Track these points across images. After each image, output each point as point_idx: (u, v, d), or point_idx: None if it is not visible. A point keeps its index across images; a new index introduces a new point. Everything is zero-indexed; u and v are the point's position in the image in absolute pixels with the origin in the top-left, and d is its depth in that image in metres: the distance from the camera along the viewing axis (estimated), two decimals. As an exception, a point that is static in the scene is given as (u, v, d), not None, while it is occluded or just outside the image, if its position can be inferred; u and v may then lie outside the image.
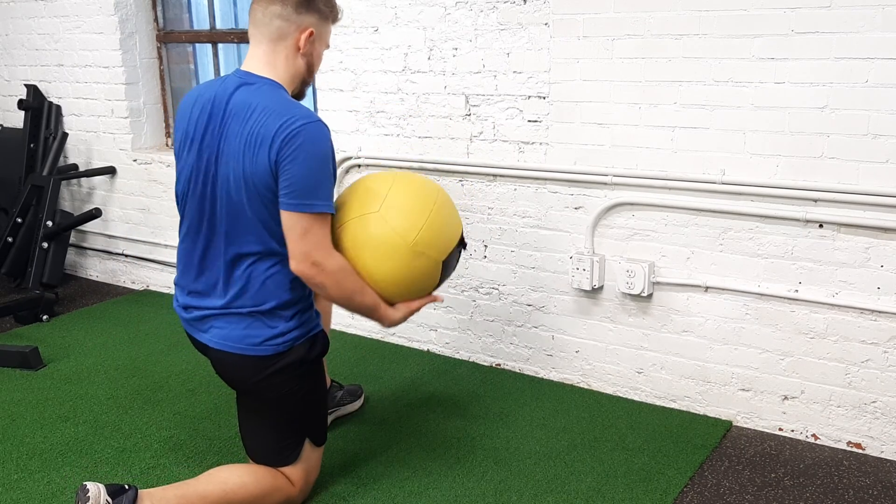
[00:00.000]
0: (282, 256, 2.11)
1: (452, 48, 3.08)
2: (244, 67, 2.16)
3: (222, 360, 2.20)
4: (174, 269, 4.23)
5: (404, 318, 2.29)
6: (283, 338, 2.15)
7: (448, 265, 2.29)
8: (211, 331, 2.18)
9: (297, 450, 2.26)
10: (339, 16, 2.29)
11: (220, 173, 2.08)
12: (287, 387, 2.19)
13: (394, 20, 3.18)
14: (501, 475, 2.49)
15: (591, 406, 2.94)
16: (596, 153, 2.87)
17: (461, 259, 3.26)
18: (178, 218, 4.28)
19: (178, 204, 2.23)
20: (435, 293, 2.35)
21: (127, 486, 2.00)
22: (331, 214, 2.09)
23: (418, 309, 2.30)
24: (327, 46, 2.29)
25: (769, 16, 2.47)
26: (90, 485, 1.97)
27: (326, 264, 2.07)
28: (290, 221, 2.03)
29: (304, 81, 2.24)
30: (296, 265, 2.06)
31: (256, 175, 2.02)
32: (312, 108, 3.55)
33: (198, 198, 2.14)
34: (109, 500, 1.96)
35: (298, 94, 2.27)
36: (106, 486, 1.99)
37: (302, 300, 2.20)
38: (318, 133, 2.04)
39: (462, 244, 2.33)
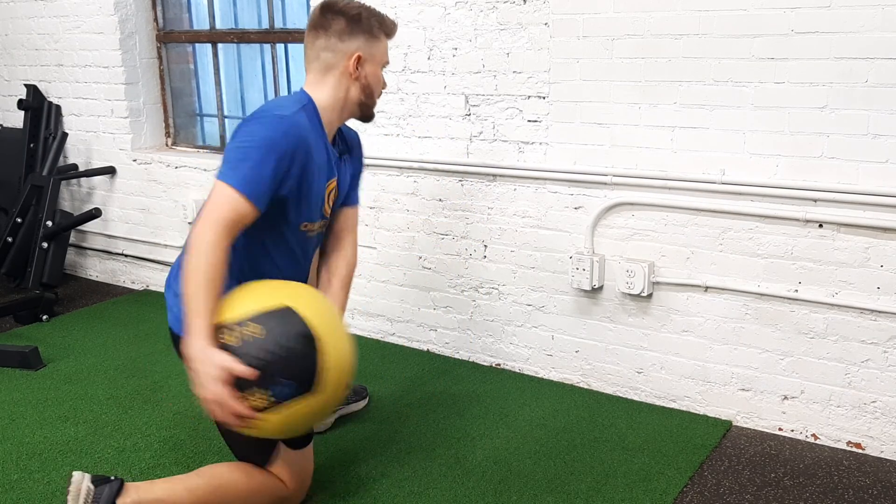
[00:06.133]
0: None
1: (452, 48, 3.08)
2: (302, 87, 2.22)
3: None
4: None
5: (202, 367, 1.81)
6: None
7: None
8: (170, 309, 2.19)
9: (269, 451, 2.18)
10: (393, 28, 2.24)
11: None
12: None
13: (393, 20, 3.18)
14: (501, 475, 2.49)
15: (591, 406, 2.94)
16: (596, 153, 2.87)
17: (461, 259, 3.26)
18: (177, 217, 4.29)
19: None
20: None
21: (112, 478, 2.01)
22: (237, 192, 1.92)
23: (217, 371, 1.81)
24: (386, 63, 2.25)
25: (769, 16, 2.47)
26: (76, 473, 2.00)
27: (203, 230, 1.89)
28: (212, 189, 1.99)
29: (364, 104, 2.23)
30: (194, 226, 1.95)
31: None
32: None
33: None
34: (91, 486, 1.97)
35: (364, 117, 2.27)
36: (91, 476, 2.01)
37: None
38: (266, 119, 2.01)
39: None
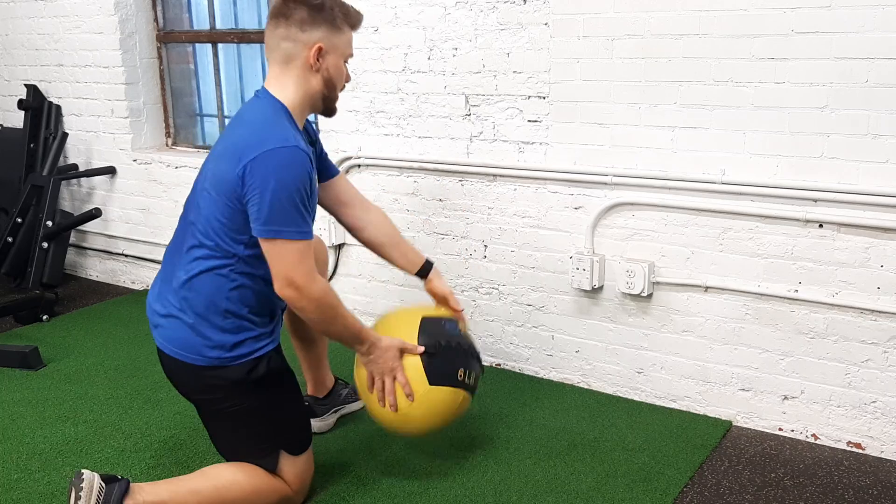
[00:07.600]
0: (229, 267, 2.09)
1: (452, 48, 3.08)
2: (265, 85, 2.16)
3: (163, 362, 2.21)
4: (174, 269, 4.23)
5: (398, 353, 2.21)
6: (218, 351, 2.11)
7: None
8: (158, 329, 2.19)
9: (271, 459, 2.22)
10: (358, 19, 2.16)
11: (206, 171, 2.16)
12: (229, 402, 2.16)
13: (394, 20, 3.18)
14: (501, 475, 2.49)
15: (591, 406, 2.94)
16: (596, 153, 2.87)
17: (461, 259, 3.26)
18: (176, 218, 4.28)
19: None
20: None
21: (119, 478, 2.01)
22: (302, 241, 2.02)
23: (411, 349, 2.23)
24: (350, 56, 2.18)
25: (769, 16, 2.47)
26: (85, 472, 1.99)
27: (308, 289, 2.02)
28: (266, 246, 2.02)
29: (326, 98, 2.17)
30: (278, 288, 2.03)
31: (226, 183, 2.03)
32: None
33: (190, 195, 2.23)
34: (103, 484, 1.96)
35: (327, 112, 2.22)
36: (100, 474, 2.00)
37: (250, 318, 2.14)
38: (284, 157, 1.98)
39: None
